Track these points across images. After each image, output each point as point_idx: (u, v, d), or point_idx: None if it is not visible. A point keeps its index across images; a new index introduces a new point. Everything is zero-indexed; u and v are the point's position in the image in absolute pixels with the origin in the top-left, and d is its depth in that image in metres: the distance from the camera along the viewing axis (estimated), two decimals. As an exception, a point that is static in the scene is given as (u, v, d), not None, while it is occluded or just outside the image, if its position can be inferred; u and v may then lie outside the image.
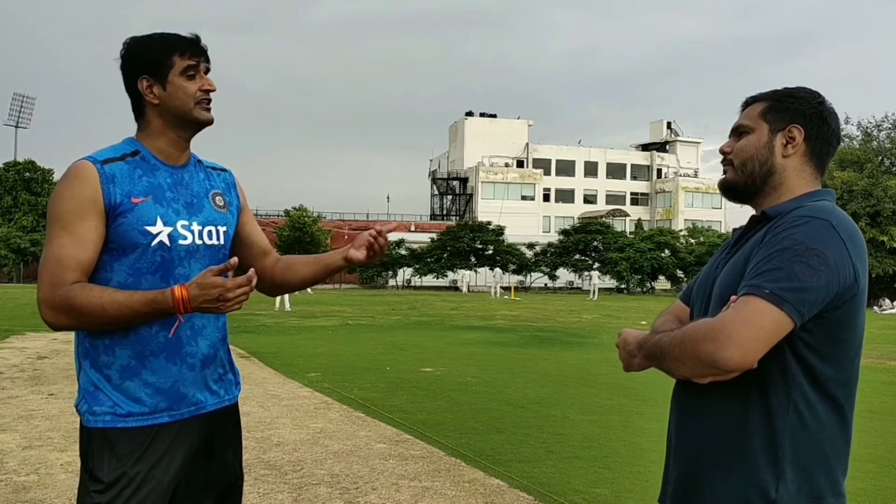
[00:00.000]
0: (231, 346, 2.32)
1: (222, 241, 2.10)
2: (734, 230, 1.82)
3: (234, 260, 1.90)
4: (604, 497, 4.68)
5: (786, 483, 1.53)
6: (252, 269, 1.85)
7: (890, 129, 47.38)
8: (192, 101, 1.98)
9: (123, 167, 1.94)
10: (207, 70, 2.03)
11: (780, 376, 1.54)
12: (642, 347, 1.69)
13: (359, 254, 2.18)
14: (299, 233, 50.45)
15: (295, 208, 53.94)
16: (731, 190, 1.76)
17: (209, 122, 2.03)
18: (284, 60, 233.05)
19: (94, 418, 1.92)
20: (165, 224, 1.95)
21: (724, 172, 1.77)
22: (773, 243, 1.52)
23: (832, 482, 1.57)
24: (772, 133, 1.69)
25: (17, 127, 66.63)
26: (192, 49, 1.99)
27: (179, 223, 1.98)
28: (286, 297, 23.60)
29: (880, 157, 46.98)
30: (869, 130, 47.73)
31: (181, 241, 1.97)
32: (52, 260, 1.87)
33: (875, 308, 35.19)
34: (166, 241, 1.94)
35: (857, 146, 46.95)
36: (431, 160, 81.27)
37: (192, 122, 2.01)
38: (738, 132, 1.75)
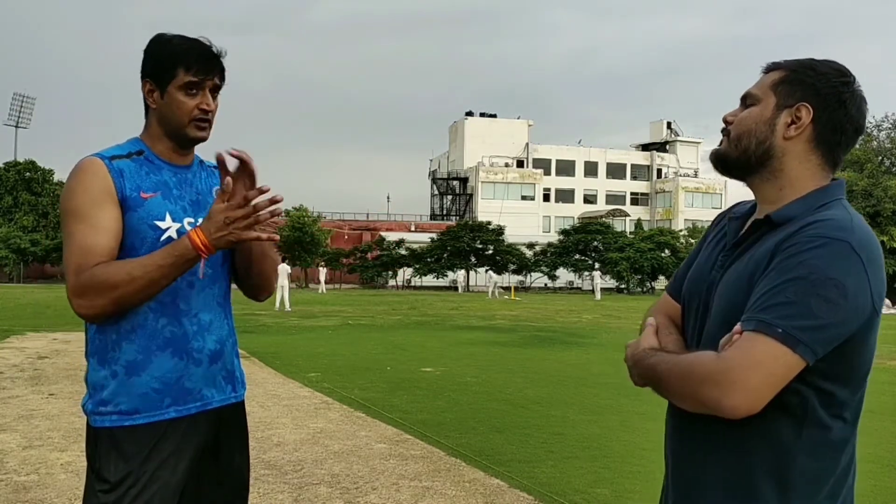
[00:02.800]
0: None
1: None
2: (730, 217, 1.63)
3: (227, 180, 1.87)
4: (604, 497, 4.68)
5: None
6: (263, 187, 1.85)
7: (890, 129, 47.49)
8: (186, 118, 1.95)
9: (130, 164, 1.95)
10: (216, 87, 1.99)
11: (791, 402, 1.37)
12: (637, 365, 1.54)
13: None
14: (299, 233, 50.42)
15: (295, 208, 53.87)
16: (722, 162, 1.56)
17: (199, 141, 2.01)
18: (284, 60, 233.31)
19: (100, 418, 1.91)
20: (174, 220, 1.96)
21: (720, 143, 1.57)
22: (785, 269, 1.34)
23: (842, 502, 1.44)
24: (777, 108, 1.48)
25: (17, 127, 66.69)
26: (201, 65, 1.94)
27: (186, 220, 1.99)
28: (286, 297, 23.59)
29: (880, 157, 47.05)
30: (869, 130, 47.80)
31: None
32: (77, 250, 1.84)
33: (875, 308, 35.15)
34: (175, 237, 1.94)
35: (857, 146, 46.94)
36: (431, 160, 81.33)
37: (181, 137, 2.00)
38: (745, 101, 1.55)
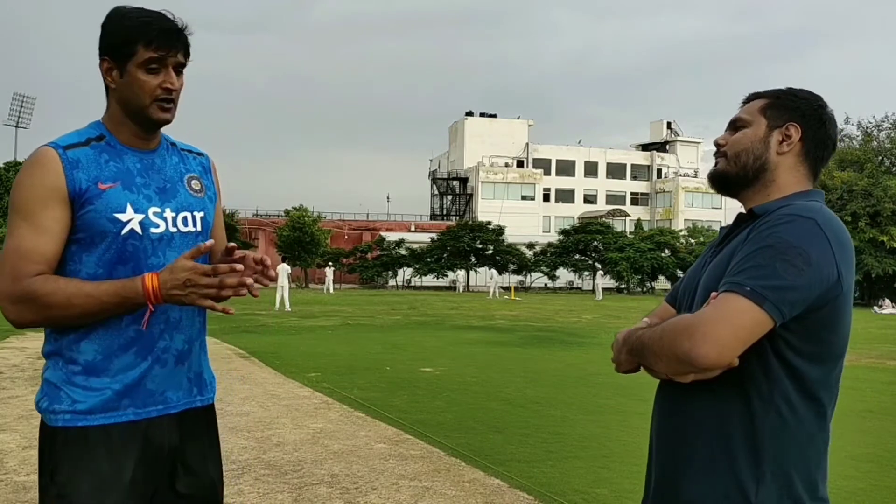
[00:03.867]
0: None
1: (199, 228, 1.95)
2: (721, 229, 1.81)
3: (210, 242, 1.76)
4: (603, 497, 4.68)
5: (766, 486, 1.50)
6: (235, 265, 1.70)
7: (890, 129, 47.33)
8: (147, 98, 1.80)
9: (88, 152, 1.82)
10: (180, 64, 1.84)
11: (762, 377, 1.51)
12: (626, 342, 1.68)
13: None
14: (299, 233, 50.42)
15: (295, 208, 53.90)
16: (722, 180, 1.73)
17: (164, 123, 1.87)
18: (284, 60, 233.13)
19: (54, 417, 1.80)
20: (136, 211, 1.82)
21: (716, 164, 1.74)
22: (757, 241, 1.51)
23: (812, 486, 1.54)
24: (769, 129, 1.67)
25: (17, 127, 66.67)
26: (161, 40, 1.78)
27: (151, 210, 1.85)
28: (286, 297, 23.57)
29: (880, 157, 46.91)
30: (869, 130, 47.67)
31: (153, 230, 1.84)
32: (13, 252, 1.75)
33: (875, 308, 35.16)
34: (137, 230, 1.81)
35: (857, 146, 46.86)
36: (431, 160, 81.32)
37: (143, 119, 1.85)
38: (734, 126, 1.73)
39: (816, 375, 1.53)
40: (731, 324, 1.43)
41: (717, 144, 1.74)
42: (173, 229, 1.89)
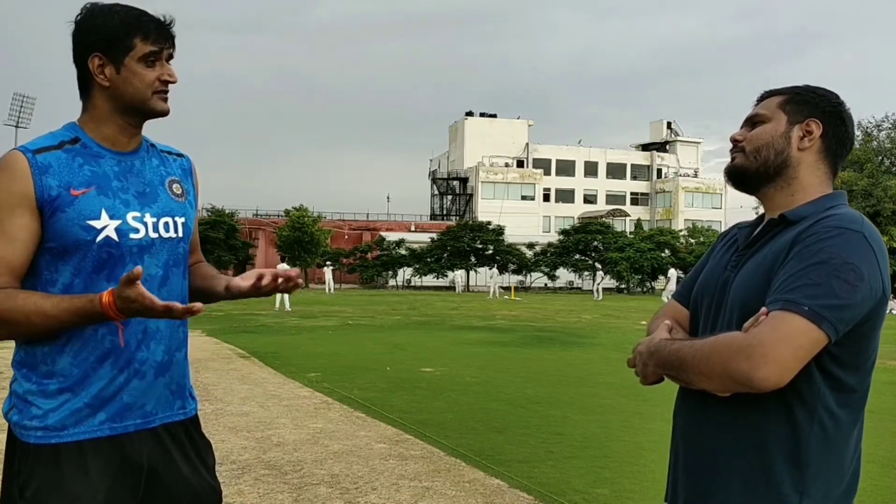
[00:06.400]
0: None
1: (181, 234, 1.90)
2: (738, 227, 1.76)
3: (138, 269, 1.61)
4: (604, 497, 4.68)
5: (810, 498, 1.48)
6: (198, 304, 1.67)
7: (890, 129, 47.43)
8: (149, 90, 1.79)
9: (61, 156, 1.75)
10: (170, 57, 1.84)
11: (805, 389, 1.48)
12: (654, 355, 1.60)
13: (244, 283, 1.95)
14: (299, 233, 50.38)
15: (295, 208, 53.82)
16: (740, 175, 1.68)
17: (165, 114, 1.85)
18: (285, 60, 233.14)
19: (25, 433, 1.73)
20: (112, 217, 1.75)
21: (733, 159, 1.69)
22: (807, 256, 1.46)
23: (848, 488, 1.54)
24: (789, 124, 1.64)
25: (17, 127, 66.59)
26: (159, 33, 1.79)
27: (130, 215, 1.78)
28: (286, 297, 23.56)
29: (880, 157, 47.00)
30: (869, 130, 47.76)
31: (132, 235, 1.78)
32: None
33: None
34: (113, 236, 1.75)
35: (858, 146, 46.90)
36: (431, 160, 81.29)
37: (145, 112, 1.83)
38: (752, 122, 1.69)
39: (855, 383, 1.52)
40: (790, 345, 1.39)
41: (733, 140, 1.70)
42: (154, 235, 1.83)
